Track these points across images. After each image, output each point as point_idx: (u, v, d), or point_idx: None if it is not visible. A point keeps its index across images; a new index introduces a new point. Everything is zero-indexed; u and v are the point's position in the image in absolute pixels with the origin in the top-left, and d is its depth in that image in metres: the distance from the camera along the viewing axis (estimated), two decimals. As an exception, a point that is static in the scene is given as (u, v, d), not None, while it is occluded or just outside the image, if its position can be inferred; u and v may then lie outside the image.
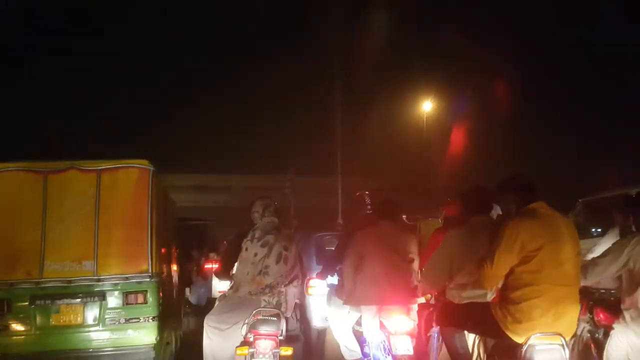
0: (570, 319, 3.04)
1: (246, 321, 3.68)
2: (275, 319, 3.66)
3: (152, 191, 4.17)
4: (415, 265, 4.22)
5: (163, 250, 4.50)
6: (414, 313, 4.18)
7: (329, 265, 4.67)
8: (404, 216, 6.61)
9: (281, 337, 3.64)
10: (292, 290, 4.01)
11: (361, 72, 21.24)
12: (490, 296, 3.36)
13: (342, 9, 17.59)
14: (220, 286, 6.38)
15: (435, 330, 4.12)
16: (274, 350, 3.55)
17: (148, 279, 4.05)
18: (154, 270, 4.08)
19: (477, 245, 3.29)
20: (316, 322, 6.07)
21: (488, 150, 19.56)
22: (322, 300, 5.75)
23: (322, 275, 4.70)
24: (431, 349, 4.15)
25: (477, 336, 3.53)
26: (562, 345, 2.91)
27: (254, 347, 3.54)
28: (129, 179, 4.15)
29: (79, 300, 4.02)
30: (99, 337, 4.02)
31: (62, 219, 4.06)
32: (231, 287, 3.99)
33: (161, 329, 4.17)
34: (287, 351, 3.63)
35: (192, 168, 25.01)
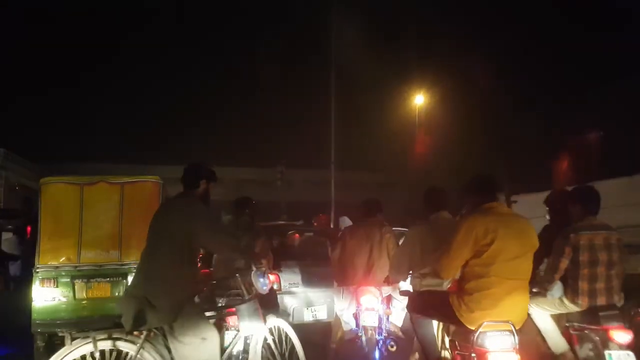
0: (520, 309, 3.54)
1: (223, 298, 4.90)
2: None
3: (162, 199, 6.07)
4: (383, 256, 5.38)
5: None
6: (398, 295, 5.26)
7: None
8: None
9: None
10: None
11: (355, 64, 22.85)
12: (446, 285, 4.04)
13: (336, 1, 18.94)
14: None
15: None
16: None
17: (159, 264, 5.99)
18: (163, 258, 6.03)
19: (438, 238, 3.88)
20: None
21: (481, 145, 21.28)
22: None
23: None
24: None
25: (440, 323, 4.12)
26: (512, 332, 3.37)
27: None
28: (144, 190, 6.08)
29: (107, 279, 5.90)
30: (122, 306, 5.97)
31: (95, 219, 5.93)
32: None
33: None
34: None
35: (182, 160, 26.67)
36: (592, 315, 3.97)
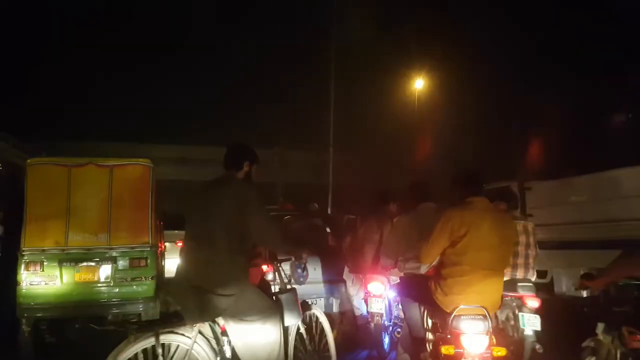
0: (493, 296, 3.85)
1: None
2: None
3: (152, 183, 6.07)
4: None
5: (157, 226, 6.44)
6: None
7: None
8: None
9: None
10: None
11: (355, 44, 22.59)
12: (424, 269, 4.36)
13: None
14: None
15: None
16: None
17: (148, 249, 5.97)
18: (152, 242, 5.99)
19: (423, 227, 4.16)
20: None
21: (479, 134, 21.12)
22: None
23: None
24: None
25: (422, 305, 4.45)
26: (485, 317, 3.66)
27: None
28: (135, 173, 6.05)
29: (95, 263, 5.87)
30: (110, 291, 5.90)
31: (83, 202, 5.90)
32: None
33: (157, 286, 6.11)
34: None
35: (174, 139, 26.49)
36: (512, 285, 4.97)
